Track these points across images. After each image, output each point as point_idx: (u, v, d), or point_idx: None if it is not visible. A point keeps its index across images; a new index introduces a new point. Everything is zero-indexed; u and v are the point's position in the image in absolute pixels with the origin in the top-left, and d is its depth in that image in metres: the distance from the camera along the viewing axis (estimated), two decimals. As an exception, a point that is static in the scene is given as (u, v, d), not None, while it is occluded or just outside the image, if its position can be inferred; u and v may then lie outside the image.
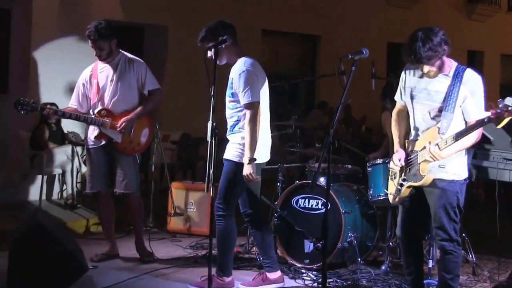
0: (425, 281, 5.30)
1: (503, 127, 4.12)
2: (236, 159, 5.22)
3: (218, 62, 5.06)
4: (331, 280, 5.56)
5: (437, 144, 4.36)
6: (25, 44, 9.71)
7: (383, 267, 5.83)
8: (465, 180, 4.58)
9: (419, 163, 4.50)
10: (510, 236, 5.59)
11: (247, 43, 11.51)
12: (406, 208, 4.72)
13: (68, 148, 9.00)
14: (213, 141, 4.78)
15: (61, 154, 8.94)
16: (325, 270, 4.44)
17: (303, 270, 5.88)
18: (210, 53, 5.16)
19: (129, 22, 10.59)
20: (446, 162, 4.48)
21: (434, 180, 4.49)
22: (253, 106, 5.12)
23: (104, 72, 6.11)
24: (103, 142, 6.07)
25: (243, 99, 5.14)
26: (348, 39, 14.31)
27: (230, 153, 5.28)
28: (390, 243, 5.95)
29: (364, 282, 5.57)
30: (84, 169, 9.02)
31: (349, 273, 5.81)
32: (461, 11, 18.98)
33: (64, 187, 8.97)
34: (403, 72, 4.75)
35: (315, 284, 5.56)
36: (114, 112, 6.04)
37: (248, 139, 5.10)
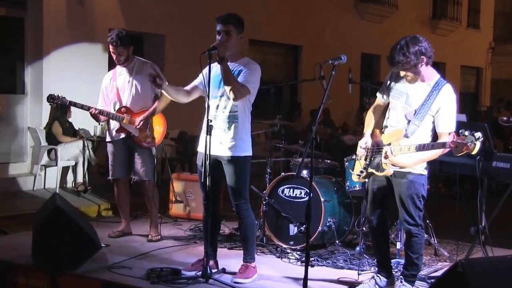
0: (393, 260, 5.44)
1: (465, 125, 4.21)
2: (244, 154, 5.04)
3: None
4: (313, 259, 5.61)
5: (391, 149, 4.45)
6: (38, 50, 9.72)
7: (357, 248, 5.91)
8: (426, 174, 4.67)
9: (381, 160, 4.58)
10: (466, 223, 5.73)
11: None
12: (374, 196, 4.80)
13: (79, 143, 9.10)
14: (209, 137, 4.73)
15: (74, 148, 9.04)
16: (308, 250, 4.51)
17: (288, 251, 5.95)
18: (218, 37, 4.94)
19: (130, 31, 10.64)
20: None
21: (403, 172, 4.56)
22: None
23: (122, 75, 6.24)
24: (123, 136, 6.20)
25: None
26: (326, 49, 14.40)
27: (239, 148, 5.00)
28: (364, 228, 6.01)
29: (341, 261, 5.64)
30: (94, 160, 9.15)
31: (328, 253, 5.89)
32: (426, 26, 19.14)
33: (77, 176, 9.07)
34: (389, 73, 4.75)
35: (299, 262, 5.64)
36: (132, 109, 6.17)
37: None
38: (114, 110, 6.22)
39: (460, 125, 5.99)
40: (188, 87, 5.11)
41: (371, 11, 16.77)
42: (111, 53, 6.23)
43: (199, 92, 5.12)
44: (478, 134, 4.04)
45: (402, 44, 4.39)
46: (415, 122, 4.50)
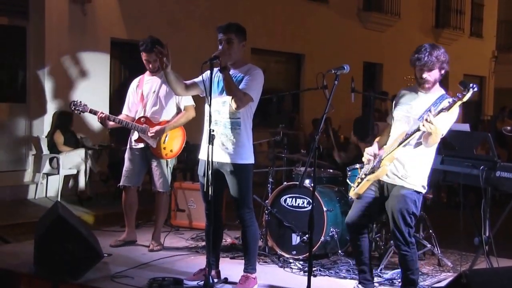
0: (396, 271, 5.46)
1: (468, 135, 4.19)
2: (247, 161, 5.02)
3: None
4: (315, 269, 5.62)
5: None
6: (40, 59, 9.79)
7: None
8: (422, 193, 4.65)
9: (382, 158, 4.59)
10: (470, 232, 5.73)
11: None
12: (363, 205, 4.75)
13: (81, 151, 9.13)
14: (211, 146, 4.63)
15: (76, 156, 9.06)
16: (311, 260, 4.50)
17: (290, 260, 5.95)
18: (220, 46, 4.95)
19: (131, 40, 10.72)
20: (407, 175, 4.55)
21: (396, 186, 4.57)
22: None
23: (149, 83, 6.24)
24: (141, 145, 6.22)
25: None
26: (329, 58, 14.46)
27: (241, 156, 4.98)
28: (366, 238, 6.06)
29: (344, 271, 5.63)
30: (96, 169, 9.18)
31: (330, 263, 5.89)
32: (429, 35, 19.19)
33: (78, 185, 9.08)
34: (398, 93, 4.80)
35: (302, 272, 5.64)
36: (152, 120, 6.17)
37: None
38: (135, 119, 6.22)
39: (462, 135, 6.03)
40: (187, 82, 5.10)
41: (373, 19, 16.82)
42: (144, 61, 6.20)
43: (197, 90, 5.12)
44: (473, 85, 4.11)
45: (432, 47, 4.47)
46: (416, 123, 4.47)
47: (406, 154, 4.57)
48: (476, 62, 21.51)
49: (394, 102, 4.81)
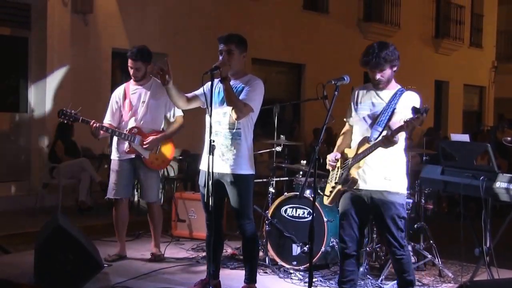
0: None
1: (469, 145, 4.16)
2: (247, 172, 5.03)
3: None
4: (316, 279, 5.60)
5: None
6: (42, 69, 9.79)
7: (361, 269, 5.77)
8: (405, 194, 4.67)
9: (349, 168, 4.56)
10: (470, 243, 5.70)
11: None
12: (351, 217, 4.66)
13: (82, 161, 9.11)
14: (212, 157, 4.58)
15: (76, 166, 9.04)
16: (311, 271, 4.46)
17: (291, 271, 5.94)
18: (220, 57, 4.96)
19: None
20: (391, 176, 4.52)
21: (382, 192, 4.52)
22: None
23: (136, 93, 6.16)
24: (132, 156, 6.12)
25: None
26: (329, 68, 14.44)
27: (242, 166, 4.98)
28: (367, 248, 5.99)
29: (344, 281, 5.64)
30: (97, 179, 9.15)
31: (331, 274, 5.87)
32: (429, 45, 19.22)
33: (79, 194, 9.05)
34: (352, 93, 4.78)
35: (302, 283, 5.62)
36: (144, 130, 6.10)
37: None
38: (126, 129, 6.12)
39: (462, 146, 6.01)
40: (189, 95, 5.10)
41: (374, 30, 16.84)
42: (129, 68, 6.15)
43: (198, 103, 5.12)
44: (426, 107, 4.10)
45: (380, 46, 4.50)
46: (376, 128, 4.48)
47: (376, 159, 4.53)
48: (476, 72, 21.53)
49: (352, 103, 4.76)
